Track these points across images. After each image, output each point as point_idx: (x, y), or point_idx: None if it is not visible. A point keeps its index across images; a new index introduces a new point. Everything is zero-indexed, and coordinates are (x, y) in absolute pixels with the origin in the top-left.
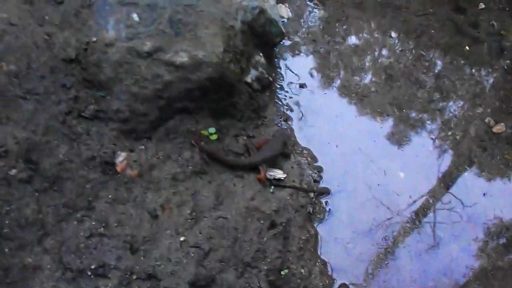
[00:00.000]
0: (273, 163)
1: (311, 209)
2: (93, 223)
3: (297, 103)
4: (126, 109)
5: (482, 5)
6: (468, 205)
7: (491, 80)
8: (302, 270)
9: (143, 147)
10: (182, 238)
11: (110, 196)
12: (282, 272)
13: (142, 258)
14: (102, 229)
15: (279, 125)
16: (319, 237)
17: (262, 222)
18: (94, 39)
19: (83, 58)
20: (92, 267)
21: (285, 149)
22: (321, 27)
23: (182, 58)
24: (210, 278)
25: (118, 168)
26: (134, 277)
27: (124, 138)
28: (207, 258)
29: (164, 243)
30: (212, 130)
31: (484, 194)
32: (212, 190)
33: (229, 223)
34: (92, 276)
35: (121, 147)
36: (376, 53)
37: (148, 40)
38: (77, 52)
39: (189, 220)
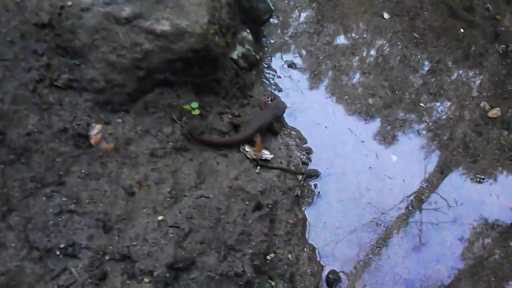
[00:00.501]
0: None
1: (299, 192)
2: (63, 199)
3: (285, 83)
4: (101, 79)
5: None
6: (466, 197)
7: (486, 64)
8: (290, 256)
9: (120, 120)
10: (160, 217)
11: (82, 171)
12: (268, 257)
13: (116, 238)
14: (73, 205)
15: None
16: (307, 221)
17: (247, 203)
18: (69, 3)
19: (57, 23)
20: (61, 246)
21: (275, 122)
22: (311, 7)
23: (164, 26)
24: (190, 261)
25: (92, 141)
26: (107, 257)
27: (99, 110)
28: (187, 239)
29: (141, 222)
30: (194, 104)
31: (479, 180)
32: (194, 168)
33: (211, 202)
34: (60, 256)
35: (96, 119)
36: (368, 35)
37: (127, 5)
38: (51, 17)
39: (168, 199)
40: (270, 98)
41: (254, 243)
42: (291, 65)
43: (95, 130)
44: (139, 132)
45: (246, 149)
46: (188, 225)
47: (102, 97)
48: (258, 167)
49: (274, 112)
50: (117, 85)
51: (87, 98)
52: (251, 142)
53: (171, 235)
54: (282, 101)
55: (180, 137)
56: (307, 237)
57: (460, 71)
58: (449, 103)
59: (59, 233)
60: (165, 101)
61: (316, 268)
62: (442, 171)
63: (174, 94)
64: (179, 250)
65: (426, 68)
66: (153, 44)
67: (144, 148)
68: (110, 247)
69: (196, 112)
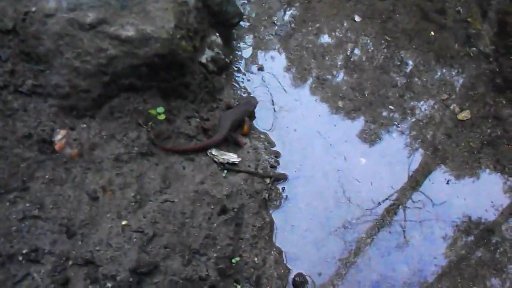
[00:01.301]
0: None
1: (266, 195)
2: (27, 204)
3: (255, 87)
4: (66, 85)
5: None
6: (435, 199)
7: (457, 67)
8: (256, 259)
9: (85, 125)
10: (124, 222)
11: (46, 176)
12: (233, 260)
13: (79, 243)
14: (36, 211)
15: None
16: (274, 224)
17: (212, 207)
18: (33, 9)
19: (21, 29)
20: (24, 251)
21: (247, 118)
22: (282, 10)
23: (128, 32)
24: (153, 265)
25: (56, 147)
26: (70, 262)
27: (64, 116)
28: (151, 244)
29: (104, 227)
30: (160, 109)
31: (447, 182)
32: (159, 173)
33: (176, 207)
34: (23, 262)
35: (61, 124)
36: (339, 38)
37: (91, 11)
38: (15, 23)
39: (133, 203)
40: (239, 102)
41: (219, 247)
42: (261, 68)
43: (60, 135)
44: (104, 137)
45: (213, 153)
46: (152, 230)
47: (67, 103)
48: (225, 171)
49: (246, 107)
50: (82, 90)
51: (51, 104)
52: (226, 141)
53: (134, 239)
54: (253, 97)
55: (146, 141)
56: (274, 240)
57: (431, 74)
58: (419, 106)
59: (22, 239)
60: (131, 106)
61: (283, 271)
62: (412, 174)
63: (140, 99)
64: (142, 255)
65: (398, 71)
66: (118, 49)
67: (109, 153)
68: (73, 252)
69: (162, 117)
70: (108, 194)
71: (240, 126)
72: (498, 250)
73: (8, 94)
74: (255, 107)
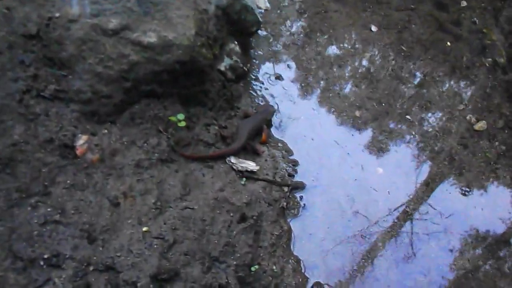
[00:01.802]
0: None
1: (284, 204)
2: (49, 209)
3: (273, 95)
4: (88, 90)
5: (464, 3)
6: (452, 209)
7: (472, 78)
8: (274, 267)
9: (106, 131)
10: (144, 228)
11: (68, 181)
12: (252, 268)
13: (100, 248)
14: (58, 216)
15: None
16: (292, 233)
17: (231, 214)
18: (57, 14)
19: (45, 34)
20: (45, 256)
21: (265, 126)
22: (300, 19)
23: (151, 38)
24: (174, 272)
25: (78, 152)
26: (91, 268)
27: (85, 121)
28: (171, 250)
29: (125, 233)
30: (181, 116)
31: (464, 193)
32: (179, 180)
33: (196, 214)
34: (44, 266)
35: (82, 130)
36: (356, 47)
37: (114, 17)
38: (38, 28)
39: (153, 210)
40: (255, 110)
41: (238, 255)
42: (279, 77)
43: (81, 140)
44: (125, 143)
45: (232, 161)
46: (172, 236)
47: (89, 108)
48: (244, 179)
49: (264, 116)
50: (103, 96)
51: (73, 109)
52: (244, 149)
53: (155, 246)
54: (271, 105)
55: (166, 148)
56: (292, 249)
57: (447, 84)
58: (436, 116)
59: (43, 244)
60: (151, 112)
61: (300, 280)
62: (428, 183)
63: (160, 106)
64: (163, 261)
65: (414, 81)
66: (140, 55)
67: (130, 159)
68: (94, 258)
69: (182, 124)
70: (129, 200)
71: (258, 134)
72: None
73: (30, 98)
74: (272, 115)
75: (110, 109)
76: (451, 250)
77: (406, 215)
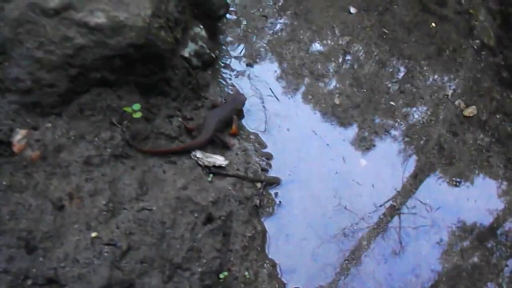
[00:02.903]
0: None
1: (258, 202)
2: None
3: (244, 83)
4: (28, 78)
5: None
6: (442, 202)
7: (460, 61)
8: (247, 273)
9: (50, 124)
10: (93, 234)
11: (3, 183)
12: (221, 275)
13: (41, 259)
14: None
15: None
16: (267, 233)
17: (196, 215)
18: None
19: None
20: None
21: (235, 117)
22: (272, 1)
23: (99, 18)
24: (128, 283)
25: (15, 149)
26: (29, 282)
27: (25, 113)
28: (125, 259)
29: (71, 240)
30: (136, 106)
31: (456, 184)
32: (136, 177)
33: (155, 216)
34: None
35: (21, 123)
36: (335, 30)
37: None
38: None
39: (104, 213)
40: (224, 99)
41: (204, 261)
42: (250, 63)
43: (19, 136)
44: (72, 137)
45: (198, 155)
46: (126, 242)
47: (29, 99)
48: (211, 175)
49: (234, 105)
50: (46, 85)
51: (11, 100)
52: (212, 142)
53: (106, 254)
54: (241, 93)
55: (120, 142)
56: (267, 252)
57: (433, 68)
58: (422, 102)
59: None
60: (103, 102)
61: (277, 286)
62: (416, 175)
63: (114, 95)
64: (115, 271)
65: (397, 65)
66: (87, 38)
67: (78, 155)
68: (34, 270)
69: (138, 114)
70: (76, 202)
71: (227, 126)
72: None
73: None
74: (243, 104)
75: (55, 100)
76: (439, 244)
77: (393, 210)
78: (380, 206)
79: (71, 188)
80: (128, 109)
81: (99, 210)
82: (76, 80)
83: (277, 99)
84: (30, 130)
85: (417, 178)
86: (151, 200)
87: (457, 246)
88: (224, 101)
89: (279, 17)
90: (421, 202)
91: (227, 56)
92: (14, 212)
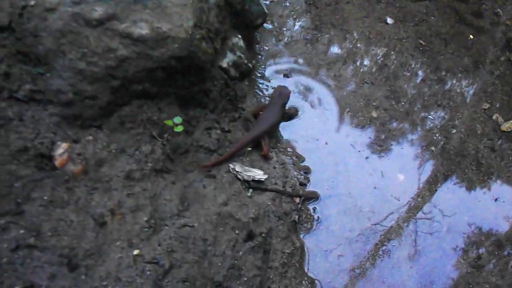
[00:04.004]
0: (274, 132)
1: (296, 217)
2: (21, 231)
3: None
4: (69, 90)
5: None
6: (481, 219)
7: (497, 73)
8: None
9: (90, 137)
10: (135, 252)
11: (45, 198)
12: None
13: (83, 277)
14: (32, 239)
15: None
16: (305, 250)
17: (237, 232)
18: (32, 2)
19: (18, 25)
20: None
21: (286, 112)
22: (309, 11)
23: (142, 29)
24: None
25: (57, 163)
26: None
27: (66, 126)
28: (167, 277)
29: (113, 258)
30: (177, 120)
31: (495, 200)
32: (177, 193)
33: (196, 232)
34: None
35: (62, 136)
36: (371, 41)
37: (99, 5)
38: (10, 18)
39: (146, 229)
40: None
41: (245, 279)
42: (287, 74)
43: (61, 149)
44: (113, 151)
45: (237, 169)
46: (168, 260)
47: (70, 111)
48: (250, 190)
49: (281, 101)
50: (87, 97)
51: (52, 112)
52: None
53: (148, 272)
54: (284, 87)
55: (161, 156)
56: (305, 268)
57: (470, 81)
58: (459, 116)
59: (14, 273)
60: (144, 115)
61: None
62: (453, 190)
63: (155, 108)
64: None
65: (434, 78)
66: (130, 50)
67: (119, 170)
68: None
69: (179, 128)
70: (118, 219)
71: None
72: None
73: (1, 100)
74: (289, 97)
75: (96, 112)
76: (486, 265)
77: (432, 227)
78: (417, 223)
79: (113, 204)
80: (169, 123)
81: (140, 227)
82: (117, 92)
83: (314, 99)
84: (71, 144)
85: (455, 194)
86: (192, 216)
87: (473, 252)
88: (269, 101)
89: (315, 27)
90: (456, 221)
91: (263, 66)
92: (56, 229)
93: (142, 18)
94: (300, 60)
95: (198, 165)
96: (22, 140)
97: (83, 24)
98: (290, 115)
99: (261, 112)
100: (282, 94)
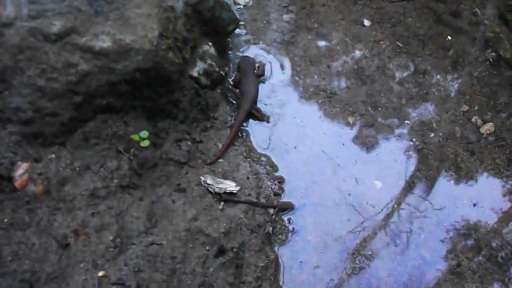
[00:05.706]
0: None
1: (270, 229)
2: None
3: None
4: (29, 108)
5: None
6: (460, 224)
7: (476, 74)
8: None
9: (53, 155)
10: (101, 273)
11: (5, 221)
12: None
13: None
14: None
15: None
16: (280, 262)
17: (207, 248)
18: None
19: None
20: None
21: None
22: (282, 15)
23: (104, 42)
24: None
25: (17, 184)
26: None
27: (27, 145)
28: None
29: (77, 281)
30: (144, 134)
31: (474, 205)
32: (144, 209)
33: (165, 250)
34: None
35: (23, 156)
36: (347, 44)
37: (58, 19)
38: None
39: (112, 249)
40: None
41: None
42: (260, 80)
43: (21, 170)
44: (77, 169)
45: (208, 181)
46: (135, 280)
47: (31, 129)
48: (222, 203)
49: (252, 68)
50: (48, 114)
51: (12, 131)
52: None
53: None
54: (246, 56)
55: (127, 172)
56: (280, 281)
57: (449, 83)
58: (438, 120)
59: None
60: (109, 130)
61: None
62: (433, 196)
63: (120, 122)
64: None
65: (412, 80)
66: (91, 64)
67: (83, 188)
68: None
69: (146, 143)
70: (82, 239)
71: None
72: None
73: None
74: (254, 60)
75: (58, 129)
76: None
77: (411, 234)
78: (397, 231)
79: (77, 224)
80: (136, 137)
81: (106, 247)
82: (80, 108)
83: (287, 106)
84: (32, 163)
85: (435, 199)
86: (160, 233)
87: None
88: (238, 70)
89: (290, 31)
90: (436, 226)
91: (236, 74)
92: (17, 252)
93: (104, 30)
94: (274, 65)
95: (204, 162)
96: None
97: (41, 39)
98: (262, 71)
99: (240, 84)
100: (250, 62)
